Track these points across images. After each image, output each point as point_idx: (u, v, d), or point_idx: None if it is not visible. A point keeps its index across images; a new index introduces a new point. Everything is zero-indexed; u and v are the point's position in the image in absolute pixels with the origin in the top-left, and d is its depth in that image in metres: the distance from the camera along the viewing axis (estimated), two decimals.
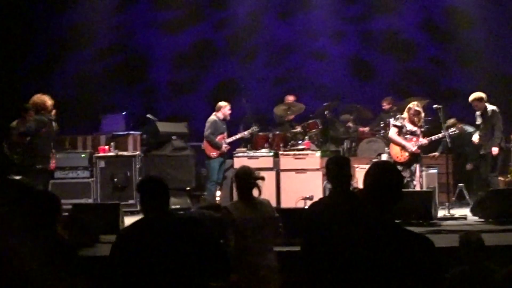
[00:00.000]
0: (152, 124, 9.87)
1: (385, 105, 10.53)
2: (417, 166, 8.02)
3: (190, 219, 3.34)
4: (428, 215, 6.96)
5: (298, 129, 10.04)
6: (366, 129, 10.36)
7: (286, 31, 11.88)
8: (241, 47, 11.76)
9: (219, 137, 9.26)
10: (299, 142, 9.62)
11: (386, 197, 2.41)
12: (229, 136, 9.39)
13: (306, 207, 6.25)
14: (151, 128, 9.85)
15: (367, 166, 3.02)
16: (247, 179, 4.41)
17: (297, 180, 9.07)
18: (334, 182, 4.04)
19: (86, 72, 11.17)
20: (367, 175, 2.49)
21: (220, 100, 9.45)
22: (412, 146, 8.01)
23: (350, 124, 10.62)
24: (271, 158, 9.25)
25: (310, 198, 7.62)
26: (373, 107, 10.91)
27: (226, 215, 4.38)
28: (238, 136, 9.39)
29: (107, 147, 9.33)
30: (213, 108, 9.44)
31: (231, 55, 11.73)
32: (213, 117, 9.34)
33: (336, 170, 4.02)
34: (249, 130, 9.42)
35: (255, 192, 4.46)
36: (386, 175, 2.45)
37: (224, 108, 9.35)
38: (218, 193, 9.09)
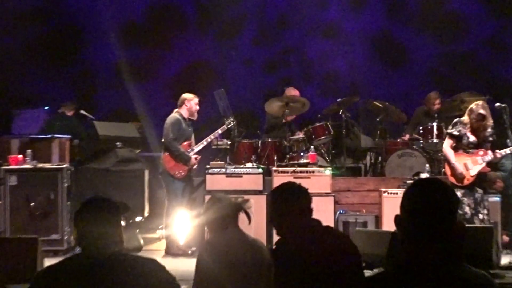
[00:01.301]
0: (87, 124, 10.11)
1: (431, 104, 10.57)
2: (481, 193, 7.88)
3: (147, 261, 3.37)
4: (487, 262, 6.93)
5: (300, 135, 10.13)
6: (406, 137, 10.51)
7: None
8: (218, 18, 11.94)
9: (184, 144, 9.25)
10: (301, 154, 9.68)
11: (438, 231, 2.45)
12: (197, 143, 9.45)
13: None
14: (86, 130, 10.08)
15: (399, 190, 2.88)
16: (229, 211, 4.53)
17: None
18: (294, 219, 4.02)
19: None
20: (406, 200, 2.53)
21: (185, 91, 9.52)
22: (476, 163, 7.89)
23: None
24: (260, 177, 9.30)
25: None
26: (406, 105, 11.04)
27: (198, 261, 4.37)
28: (208, 139, 9.44)
29: (21, 156, 9.27)
30: (176, 102, 9.51)
31: (203, 28, 11.89)
32: (175, 115, 9.29)
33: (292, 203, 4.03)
34: (223, 126, 9.52)
35: (241, 224, 4.56)
36: (435, 198, 2.48)
37: (190, 102, 9.30)
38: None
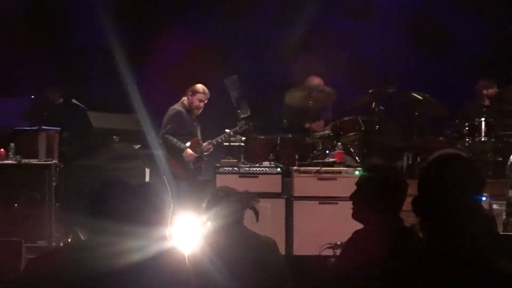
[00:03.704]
0: (79, 114, 10.17)
1: (481, 94, 10.63)
2: None
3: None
4: None
5: (325, 131, 10.24)
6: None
7: None
8: None
9: (190, 141, 9.57)
10: (326, 152, 9.80)
11: (460, 212, 2.60)
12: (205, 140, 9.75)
13: (334, 258, 6.62)
14: (78, 122, 10.18)
15: None
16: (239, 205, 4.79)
17: (322, 214, 9.20)
18: None
19: None
20: (424, 177, 2.72)
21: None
22: None
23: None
24: (279, 177, 9.48)
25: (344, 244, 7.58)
26: (449, 98, 11.04)
27: (196, 261, 4.60)
28: (219, 139, 9.80)
29: (2, 150, 9.35)
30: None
31: (210, 5, 12.02)
32: (176, 106, 9.69)
33: None
34: (236, 129, 9.79)
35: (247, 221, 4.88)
36: (456, 173, 2.64)
37: (193, 96, 9.74)
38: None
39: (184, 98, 9.85)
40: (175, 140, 9.54)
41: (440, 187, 2.65)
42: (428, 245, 2.68)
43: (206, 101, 9.94)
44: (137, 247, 3.66)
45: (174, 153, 9.52)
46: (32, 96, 10.53)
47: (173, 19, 12.05)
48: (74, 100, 10.22)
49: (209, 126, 10.29)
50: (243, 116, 9.76)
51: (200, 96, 9.76)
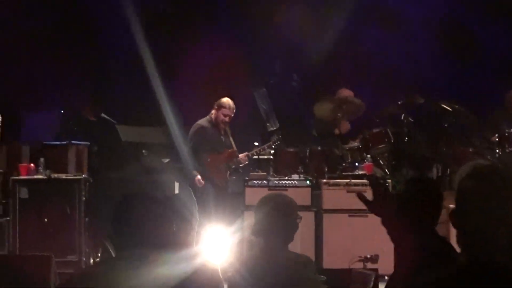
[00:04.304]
0: (109, 128, 10.29)
1: (511, 104, 10.55)
2: None
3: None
4: None
5: (355, 143, 10.24)
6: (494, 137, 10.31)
7: None
8: (255, 2, 12.12)
9: (223, 154, 9.69)
10: (356, 164, 9.87)
11: (499, 223, 2.60)
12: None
13: (369, 271, 6.65)
14: (107, 136, 10.27)
15: None
16: (288, 216, 4.76)
17: (352, 228, 9.25)
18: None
19: None
20: (461, 189, 2.70)
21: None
22: None
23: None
24: (308, 190, 9.56)
25: (375, 258, 7.63)
26: (478, 106, 11.00)
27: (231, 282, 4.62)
28: (254, 153, 9.85)
29: (32, 165, 9.43)
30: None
31: (239, 16, 12.02)
32: (200, 121, 9.78)
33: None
34: (269, 143, 9.85)
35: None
36: (494, 184, 2.63)
37: (218, 110, 9.71)
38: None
39: (212, 112, 9.85)
40: (193, 162, 9.62)
41: (479, 200, 2.64)
42: (467, 259, 2.67)
43: (231, 115, 9.89)
44: (169, 266, 3.62)
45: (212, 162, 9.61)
46: (62, 111, 10.60)
47: (204, 31, 12.07)
48: (103, 114, 10.33)
49: (238, 137, 10.27)
50: (272, 129, 9.91)
51: (225, 111, 9.74)
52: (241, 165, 10.02)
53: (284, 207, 4.81)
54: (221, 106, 9.76)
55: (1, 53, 11.26)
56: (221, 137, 9.81)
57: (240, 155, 9.92)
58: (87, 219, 9.08)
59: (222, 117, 9.74)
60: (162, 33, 12.09)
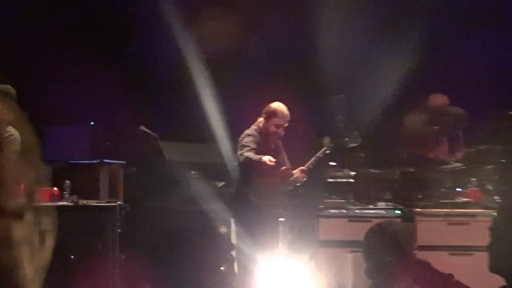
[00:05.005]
0: (150, 144, 9.88)
1: None
2: None
3: None
4: None
5: (456, 164, 9.55)
6: None
7: None
8: None
9: (277, 175, 8.97)
10: (457, 190, 9.23)
11: None
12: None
13: None
14: (148, 153, 10.01)
15: None
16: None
17: (453, 267, 9.11)
18: None
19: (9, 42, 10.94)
20: None
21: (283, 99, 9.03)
22: None
23: None
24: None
25: None
26: None
27: None
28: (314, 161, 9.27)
29: (55, 189, 8.81)
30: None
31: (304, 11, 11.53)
32: (250, 131, 8.98)
33: None
34: (324, 148, 9.24)
35: None
36: None
37: (268, 119, 8.86)
38: None
39: (260, 120, 8.99)
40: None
41: None
42: None
43: (285, 125, 9.03)
44: None
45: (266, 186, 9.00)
46: (92, 123, 10.42)
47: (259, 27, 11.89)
48: (142, 127, 9.81)
49: (295, 153, 9.63)
50: (352, 145, 9.45)
51: (277, 120, 8.80)
52: (298, 185, 9.40)
53: (407, 237, 4.91)
54: (271, 115, 8.87)
55: (19, 61, 11.03)
56: (272, 152, 8.94)
57: (294, 172, 9.23)
58: (123, 256, 8.62)
59: (273, 128, 8.84)
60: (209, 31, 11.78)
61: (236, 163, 9.23)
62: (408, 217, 8.86)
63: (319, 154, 9.35)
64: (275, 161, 8.88)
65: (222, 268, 9.41)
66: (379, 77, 11.39)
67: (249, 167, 8.94)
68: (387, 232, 4.75)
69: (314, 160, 9.38)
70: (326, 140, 9.27)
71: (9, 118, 3.79)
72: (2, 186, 2.21)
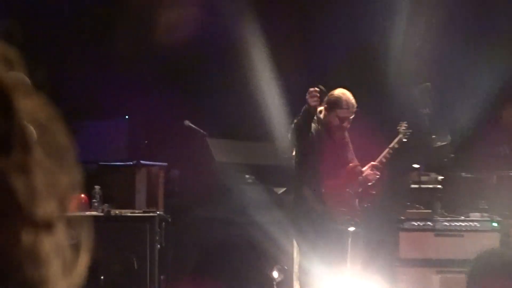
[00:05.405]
0: (196, 143, 9.55)
1: None
2: None
3: None
4: None
5: None
6: None
7: None
8: None
9: (343, 176, 8.25)
10: None
11: None
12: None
13: None
14: (194, 153, 9.73)
15: None
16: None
17: None
18: None
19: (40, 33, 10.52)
20: None
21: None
22: None
23: None
24: (496, 237, 8.78)
25: None
26: None
27: None
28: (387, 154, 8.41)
29: (84, 196, 8.40)
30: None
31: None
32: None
33: None
34: (399, 137, 8.48)
35: None
36: None
37: (331, 110, 7.88)
38: None
39: (320, 109, 7.91)
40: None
41: None
42: None
43: (351, 117, 8.05)
44: None
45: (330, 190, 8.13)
46: (126, 117, 10.12)
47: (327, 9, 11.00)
48: (187, 122, 9.29)
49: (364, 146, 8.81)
50: (440, 144, 8.89)
51: (340, 112, 7.76)
52: (370, 184, 8.48)
53: None
54: (334, 105, 7.79)
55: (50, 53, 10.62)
56: (336, 149, 8.05)
57: (364, 170, 8.27)
58: (162, 276, 8.37)
59: (336, 121, 7.80)
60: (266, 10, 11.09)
61: (292, 161, 8.26)
62: (508, 230, 8.54)
63: (393, 144, 8.42)
64: (318, 90, 7.73)
65: None
66: (473, 62, 10.54)
67: (301, 128, 7.75)
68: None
69: (387, 152, 8.36)
70: (402, 126, 8.43)
71: (42, 117, 3.09)
72: (30, 192, 1.81)
